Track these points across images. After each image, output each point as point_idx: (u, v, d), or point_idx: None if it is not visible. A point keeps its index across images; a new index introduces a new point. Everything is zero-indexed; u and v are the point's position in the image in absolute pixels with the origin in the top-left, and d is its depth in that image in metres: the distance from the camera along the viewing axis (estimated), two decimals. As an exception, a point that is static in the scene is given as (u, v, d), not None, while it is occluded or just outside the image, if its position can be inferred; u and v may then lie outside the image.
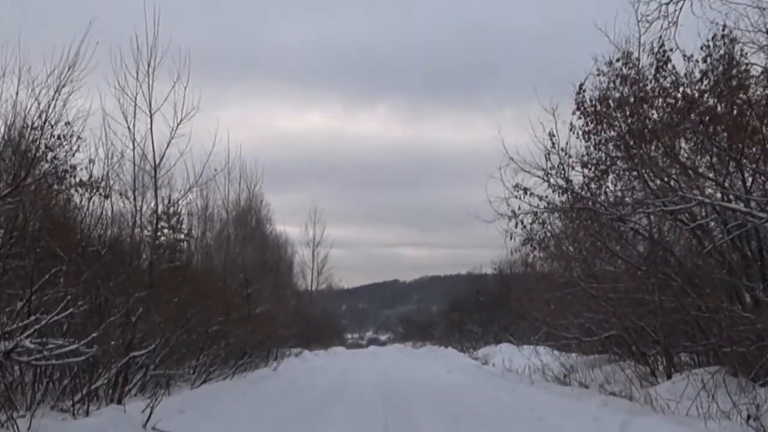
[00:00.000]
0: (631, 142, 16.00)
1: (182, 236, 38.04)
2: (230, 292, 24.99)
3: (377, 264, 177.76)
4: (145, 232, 16.53)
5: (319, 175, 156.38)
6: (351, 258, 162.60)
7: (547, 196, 19.30)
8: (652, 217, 16.69)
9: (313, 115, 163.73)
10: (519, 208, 19.17)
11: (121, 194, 15.38)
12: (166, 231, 39.19)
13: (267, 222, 50.89)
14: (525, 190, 19.00)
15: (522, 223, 19.23)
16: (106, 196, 15.32)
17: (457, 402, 15.78)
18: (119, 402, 13.39)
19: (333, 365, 31.51)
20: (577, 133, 17.81)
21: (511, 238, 19.57)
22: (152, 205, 16.01)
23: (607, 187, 18.63)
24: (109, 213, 15.80)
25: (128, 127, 15.17)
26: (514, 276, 45.21)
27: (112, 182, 15.67)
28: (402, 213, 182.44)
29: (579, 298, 19.06)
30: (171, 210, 39.11)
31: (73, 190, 15.42)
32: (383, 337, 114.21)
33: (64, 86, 11.40)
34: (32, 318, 8.58)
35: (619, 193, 18.40)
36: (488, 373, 23.99)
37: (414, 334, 73.84)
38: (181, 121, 15.25)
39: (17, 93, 12.15)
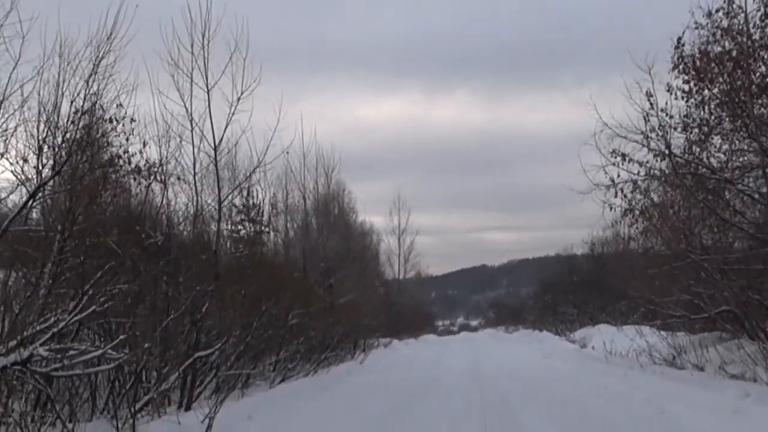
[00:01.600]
0: (737, 99, 14.41)
1: (263, 227, 37.28)
2: (311, 282, 23.61)
3: (464, 250, 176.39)
4: (212, 221, 15.01)
5: (401, 162, 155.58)
6: (438, 245, 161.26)
7: (647, 162, 17.56)
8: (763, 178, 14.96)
9: (392, 102, 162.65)
10: (618, 175, 17.48)
11: (179, 178, 13.92)
12: (246, 224, 38.51)
13: (350, 211, 49.76)
14: (623, 156, 17.33)
15: (622, 191, 17.44)
16: (164, 183, 13.90)
17: (561, 393, 13.84)
18: (188, 408, 12.10)
19: (423, 355, 29.78)
20: (676, 94, 16.33)
21: (611, 208, 17.70)
22: (215, 190, 14.46)
23: (713, 148, 17.10)
24: (171, 201, 14.40)
25: (185, 106, 13.76)
26: (608, 255, 42.98)
27: (171, 167, 14.27)
28: (486, 197, 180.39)
29: (686, 272, 17.17)
30: (251, 202, 38.50)
31: (128, 178, 14.11)
32: (474, 323, 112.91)
33: (102, 58, 10.12)
34: (52, 320, 7.07)
35: (725, 156, 16.76)
36: (589, 357, 21.89)
37: (505, 319, 72.06)
38: (241, 95, 13.75)
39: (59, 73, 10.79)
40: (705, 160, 17.24)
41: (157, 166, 14.11)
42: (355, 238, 46.78)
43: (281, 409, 12.15)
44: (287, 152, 28.05)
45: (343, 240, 40.54)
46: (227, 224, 35.95)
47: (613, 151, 17.42)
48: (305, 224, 24.88)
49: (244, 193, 37.90)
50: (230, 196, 14.50)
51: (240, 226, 38.04)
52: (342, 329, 23.79)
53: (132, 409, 9.04)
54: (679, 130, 17.03)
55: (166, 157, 14.12)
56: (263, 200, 36.95)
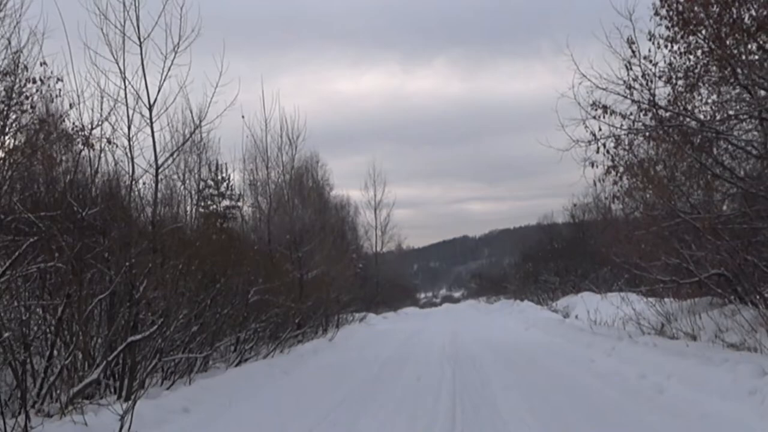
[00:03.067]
0: (725, 44, 13.00)
1: (235, 202, 35.53)
2: (276, 256, 21.93)
3: (445, 221, 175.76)
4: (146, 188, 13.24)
5: (380, 135, 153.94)
6: (419, 217, 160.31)
7: (631, 114, 16.05)
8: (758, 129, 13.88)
9: (371, 75, 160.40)
10: (600, 129, 15.98)
11: (110, 142, 12.12)
12: (216, 199, 36.77)
13: (325, 183, 48.05)
14: (605, 108, 15.81)
15: (604, 146, 15.92)
16: (92, 147, 12.11)
17: (544, 371, 12.28)
18: (128, 398, 10.48)
19: (400, 329, 28.21)
20: (658, 42, 14.68)
21: (592, 165, 16.15)
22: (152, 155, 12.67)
23: (700, 100, 15.63)
24: (104, 169, 12.64)
25: (116, 62, 11.93)
26: (589, 222, 41.65)
27: (104, 131, 12.47)
28: (467, 167, 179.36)
29: (674, 234, 15.71)
30: (219, 176, 36.73)
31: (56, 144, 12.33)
32: (457, 294, 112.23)
33: None
34: None
35: (712, 109, 15.18)
36: (573, 327, 20.39)
37: (487, 289, 70.93)
38: (177, 46, 11.95)
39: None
40: (691, 112, 15.94)
41: (88, 129, 12.35)
42: (330, 210, 45.18)
43: (226, 397, 10.51)
44: (243, 116, 26.34)
45: (317, 213, 38.93)
46: (195, 199, 34.46)
47: (594, 103, 15.94)
48: (269, 195, 23.05)
49: (212, 167, 36.42)
50: (170, 161, 12.70)
51: (210, 201, 36.55)
52: (311, 305, 22.20)
53: (25, 408, 7.39)
54: (663, 79, 15.65)
55: (100, 120, 12.35)
56: (232, 175, 35.38)
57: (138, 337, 10.94)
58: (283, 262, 22.33)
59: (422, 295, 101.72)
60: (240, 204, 33.06)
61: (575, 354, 14.47)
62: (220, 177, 36.25)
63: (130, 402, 8.38)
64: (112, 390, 11.04)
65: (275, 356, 16.19)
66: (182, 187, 31.30)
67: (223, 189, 36.54)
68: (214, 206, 36.39)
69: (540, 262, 43.75)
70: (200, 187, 33.66)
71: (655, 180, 16.16)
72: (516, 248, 59.59)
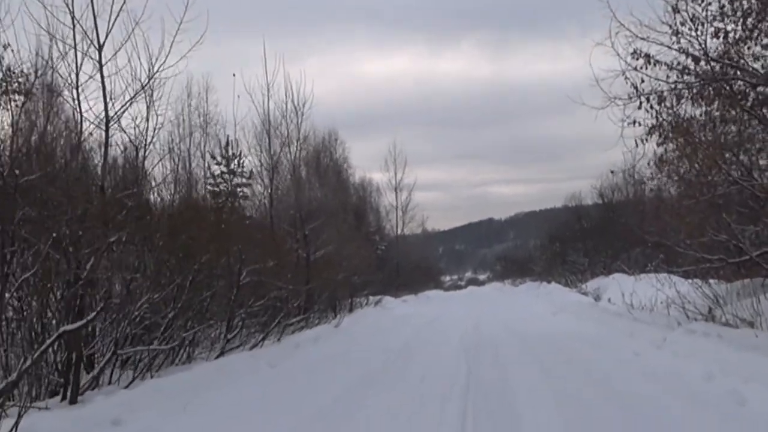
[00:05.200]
0: None
1: (245, 180, 33.20)
2: (277, 234, 19.58)
3: (471, 203, 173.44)
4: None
5: (406, 118, 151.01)
6: (445, 200, 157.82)
7: (678, 64, 13.56)
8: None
9: (398, 58, 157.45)
10: (642, 81, 13.46)
11: (51, 90, 9.74)
12: (226, 177, 34.48)
13: (344, 162, 45.59)
14: (648, 57, 13.31)
15: (648, 101, 13.41)
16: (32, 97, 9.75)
17: (581, 369, 9.72)
18: (73, 401, 8.28)
19: (418, 313, 25.67)
20: None
21: (634, 123, 13.63)
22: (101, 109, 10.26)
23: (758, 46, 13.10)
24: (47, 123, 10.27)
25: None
26: (618, 203, 39.03)
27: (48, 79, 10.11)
28: (493, 150, 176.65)
29: (726, 205, 13.31)
30: (230, 153, 34.41)
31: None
32: (482, 277, 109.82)
33: None
34: None
35: None
36: (608, 312, 17.82)
37: (512, 272, 68.33)
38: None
39: None
40: (748, 64, 13.54)
41: (28, 76, 10.02)
42: (348, 190, 42.76)
43: (182, 400, 8.17)
44: (234, 74, 23.71)
45: (334, 191, 36.50)
46: (205, 176, 32.21)
47: (634, 52, 13.44)
48: (271, 167, 20.54)
49: (222, 142, 34.07)
50: (124, 112, 10.28)
51: (221, 180, 34.29)
52: (317, 287, 19.84)
53: None
54: (716, 22, 13.23)
55: (45, 65, 10.04)
56: (241, 151, 32.94)
57: (73, 326, 8.63)
58: (285, 241, 20.00)
59: (447, 278, 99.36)
60: (251, 182, 30.77)
61: (615, 345, 11.93)
62: (230, 153, 34.02)
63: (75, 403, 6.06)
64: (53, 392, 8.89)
65: (266, 346, 13.85)
66: (188, 164, 29.41)
67: (234, 166, 34.32)
68: (225, 185, 34.25)
69: (568, 243, 41.07)
70: (207, 164, 31.60)
71: (710, 139, 13.69)
72: (542, 230, 56.86)
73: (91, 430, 6.82)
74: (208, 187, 31.35)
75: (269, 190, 20.34)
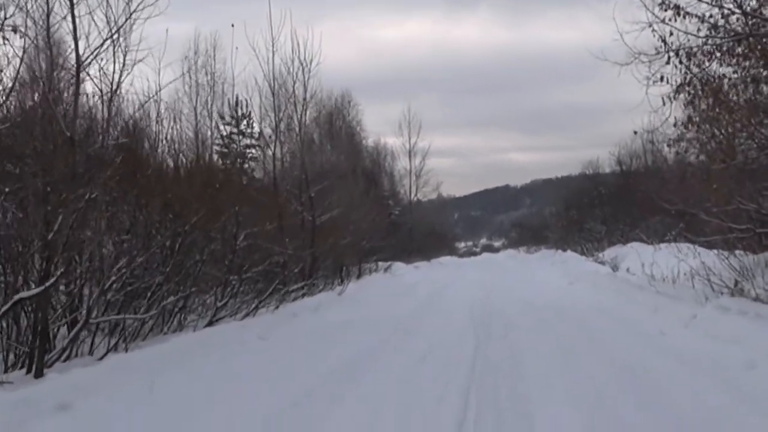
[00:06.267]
0: None
1: (254, 141, 32.02)
2: (280, 196, 18.49)
3: (487, 170, 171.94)
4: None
5: (423, 84, 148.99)
6: (461, 167, 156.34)
7: (711, 16, 12.28)
8: None
9: (414, 22, 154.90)
10: (671, 33, 12.19)
11: (15, 30, 8.57)
12: (234, 137, 33.33)
13: (357, 124, 44.33)
14: (677, 8, 12.02)
15: (677, 55, 12.14)
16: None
17: (601, 350, 8.57)
18: (39, 374, 7.34)
19: (429, 280, 24.57)
20: None
21: (662, 79, 12.37)
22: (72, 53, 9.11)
23: None
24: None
25: None
26: (637, 171, 37.67)
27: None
28: (509, 118, 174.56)
29: (757, 173, 12.48)
30: (240, 112, 33.20)
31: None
32: (497, 244, 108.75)
33: None
34: None
35: None
36: (628, 283, 16.63)
37: (527, 239, 67.12)
38: None
39: None
40: None
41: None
42: (360, 153, 41.56)
43: (151, 377, 7.12)
44: (232, 24, 22.34)
45: (346, 154, 35.32)
46: (212, 136, 31.08)
47: (662, 3, 12.15)
48: (276, 125, 19.33)
49: (232, 102, 32.84)
50: (98, 55, 9.13)
51: (230, 140, 33.15)
52: (322, 253, 18.81)
53: None
54: None
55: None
56: (251, 111, 31.65)
57: (29, 293, 7.63)
58: (290, 202, 18.93)
59: (462, 244, 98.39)
60: (260, 143, 29.60)
61: (639, 321, 10.77)
62: (240, 114, 32.84)
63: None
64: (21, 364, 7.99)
65: (262, 314, 12.83)
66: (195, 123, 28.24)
67: (243, 127, 33.17)
68: (235, 146, 33.13)
69: (584, 210, 39.75)
70: (214, 123, 30.42)
71: (737, 104, 12.43)
72: (558, 198, 55.53)
73: (29, 419, 5.78)
74: (216, 148, 30.27)
75: (272, 150, 19.16)
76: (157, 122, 15.26)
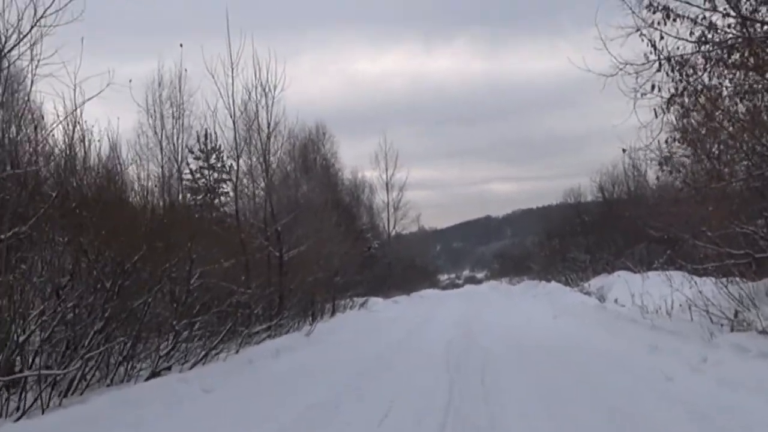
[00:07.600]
0: None
1: (224, 175, 30.64)
2: (246, 230, 17.09)
3: (467, 201, 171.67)
4: None
5: (400, 117, 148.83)
6: (440, 198, 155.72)
7: (703, 18, 11.18)
8: None
9: (391, 56, 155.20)
10: (661, 37, 11.00)
11: None
12: (206, 172, 31.95)
13: (333, 157, 43.06)
14: (667, 11, 10.87)
15: (669, 62, 10.97)
16: None
17: (594, 400, 7.17)
18: None
19: (406, 317, 23.09)
20: None
21: (653, 89, 11.15)
22: None
23: None
24: None
25: None
26: (619, 199, 36.64)
27: None
28: (488, 148, 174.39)
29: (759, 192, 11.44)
30: (209, 146, 31.84)
31: None
32: (480, 275, 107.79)
33: None
34: None
35: None
36: (618, 316, 15.27)
37: (510, 270, 65.93)
38: None
39: None
40: None
41: None
42: (336, 186, 40.23)
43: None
44: (181, 44, 20.77)
45: (322, 186, 33.97)
46: (180, 171, 29.65)
47: (650, 5, 11.01)
48: (236, 156, 17.85)
49: (202, 137, 31.44)
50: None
51: (199, 175, 31.74)
52: (290, 290, 17.40)
53: None
54: None
55: None
56: (221, 145, 30.23)
57: None
58: (254, 237, 17.53)
59: (445, 276, 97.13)
60: (228, 177, 28.20)
61: (638, 364, 9.34)
62: (209, 147, 31.50)
63: None
64: None
65: (216, 361, 11.38)
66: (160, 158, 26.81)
67: (213, 161, 31.81)
68: (204, 180, 31.77)
69: (567, 238, 38.57)
70: (181, 156, 28.96)
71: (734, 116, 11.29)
72: (539, 227, 54.44)
73: None
74: (187, 183, 28.85)
75: (234, 181, 17.76)
76: (112, 157, 13.93)
